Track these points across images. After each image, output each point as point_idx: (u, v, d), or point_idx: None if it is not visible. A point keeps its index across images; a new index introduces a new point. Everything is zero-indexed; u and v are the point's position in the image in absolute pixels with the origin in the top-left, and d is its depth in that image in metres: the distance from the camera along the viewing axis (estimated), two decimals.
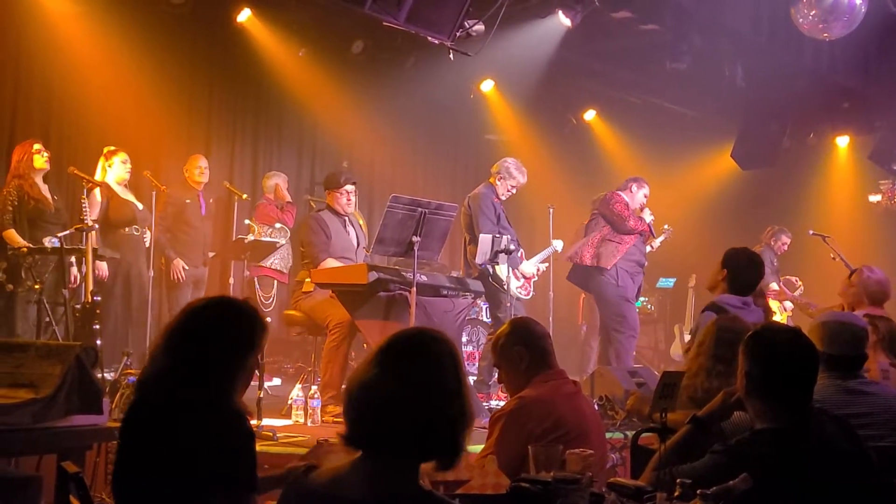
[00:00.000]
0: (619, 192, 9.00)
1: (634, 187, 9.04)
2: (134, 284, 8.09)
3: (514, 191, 8.29)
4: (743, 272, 5.51)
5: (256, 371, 5.90)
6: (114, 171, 7.99)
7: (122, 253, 7.97)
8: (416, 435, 2.24)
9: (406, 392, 2.25)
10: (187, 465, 2.79)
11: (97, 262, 7.43)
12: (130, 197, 8.10)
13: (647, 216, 8.94)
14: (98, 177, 7.94)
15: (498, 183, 8.18)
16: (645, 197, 9.09)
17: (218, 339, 2.95)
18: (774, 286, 10.83)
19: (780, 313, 10.86)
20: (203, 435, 2.82)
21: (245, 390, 3.06)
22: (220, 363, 2.94)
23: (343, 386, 2.36)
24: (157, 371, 2.97)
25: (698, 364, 4.12)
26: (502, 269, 7.83)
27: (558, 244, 8.96)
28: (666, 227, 10.42)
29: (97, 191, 7.65)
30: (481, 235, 7.74)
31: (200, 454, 2.79)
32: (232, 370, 2.97)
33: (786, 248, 11.19)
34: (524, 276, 8.54)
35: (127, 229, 8.02)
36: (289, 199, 9.70)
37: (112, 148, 8.06)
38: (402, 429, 2.23)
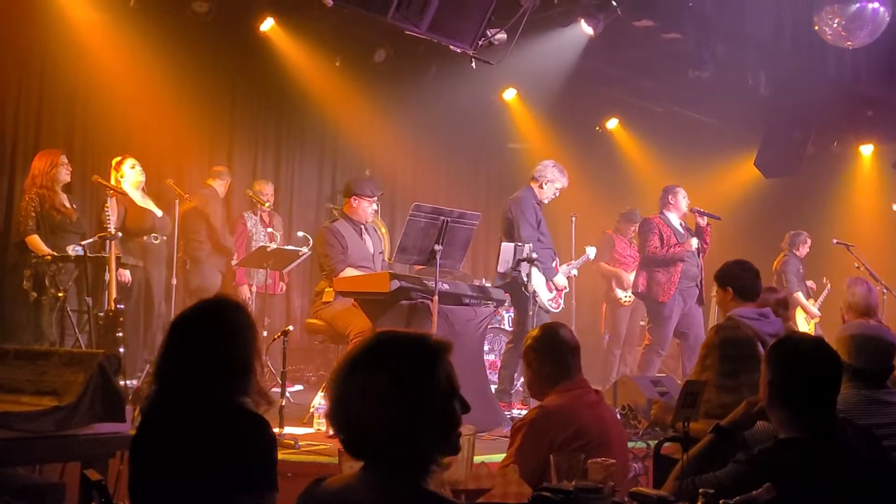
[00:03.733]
0: (657, 216, 8.85)
1: (671, 198, 8.86)
2: (155, 292, 8.13)
3: (557, 193, 8.13)
4: (740, 279, 5.45)
5: (278, 378, 5.91)
6: (127, 178, 7.94)
7: (143, 261, 7.99)
8: (402, 443, 2.16)
9: (373, 403, 2.16)
10: (212, 471, 2.83)
11: (120, 269, 7.44)
12: (149, 204, 8.09)
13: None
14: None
15: (544, 187, 8.04)
16: (685, 198, 8.92)
17: (213, 344, 3.01)
18: (801, 297, 10.72)
19: (807, 323, 10.78)
20: (226, 442, 2.87)
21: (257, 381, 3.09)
22: (223, 363, 3.00)
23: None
24: (164, 387, 3.04)
25: (706, 380, 4.11)
26: (537, 279, 7.72)
27: (591, 251, 8.86)
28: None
29: (114, 200, 7.56)
30: (503, 244, 7.65)
31: (226, 460, 2.83)
32: (235, 367, 3.03)
33: (808, 248, 11.04)
34: (556, 288, 8.25)
35: (146, 238, 8.04)
36: (266, 206, 9.52)
37: (118, 158, 8.01)
38: (385, 439, 2.15)
